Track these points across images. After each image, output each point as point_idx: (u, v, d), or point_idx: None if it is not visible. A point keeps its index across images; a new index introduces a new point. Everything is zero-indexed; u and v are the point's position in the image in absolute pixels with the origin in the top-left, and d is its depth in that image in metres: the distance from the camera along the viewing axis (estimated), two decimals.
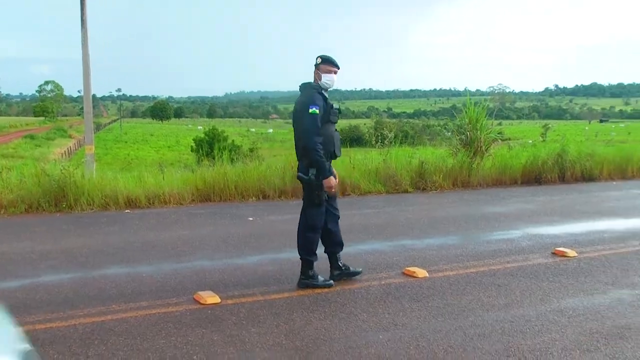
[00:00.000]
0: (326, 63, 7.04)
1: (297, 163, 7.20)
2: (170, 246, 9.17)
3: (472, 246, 9.07)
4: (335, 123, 7.08)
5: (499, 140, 19.71)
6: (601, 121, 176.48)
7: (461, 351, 5.25)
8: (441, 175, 15.67)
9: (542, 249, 9.10)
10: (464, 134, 17.18)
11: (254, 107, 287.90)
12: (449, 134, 21.52)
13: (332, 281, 7.18)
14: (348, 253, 8.74)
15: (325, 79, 7.02)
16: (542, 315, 6.16)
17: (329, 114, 6.93)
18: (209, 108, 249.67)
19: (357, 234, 10.11)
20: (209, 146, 26.24)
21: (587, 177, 17.80)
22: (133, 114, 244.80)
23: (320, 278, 7.14)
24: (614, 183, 17.36)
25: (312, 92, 6.95)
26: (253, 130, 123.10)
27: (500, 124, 38.42)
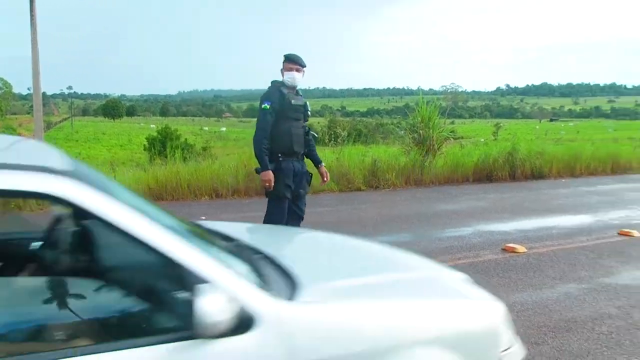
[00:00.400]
0: (288, 61, 7.15)
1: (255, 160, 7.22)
2: None
3: (424, 243, 9.17)
4: (298, 120, 7.19)
5: (451, 139, 19.91)
6: (551, 120, 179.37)
7: None
8: (394, 174, 15.78)
9: (492, 245, 9.24)
10: (416, 132, 17.35)
11: (207, 105, 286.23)
12: (402, 132, 21.72)
13: None
14: None
15: (287, 76, 7.12)
16: None
17: (287, 110, 6.98)
18: (162, 106, 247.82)
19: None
20: (161, 145, 25.97)
21: (537, 175, 18.11)
22: (84, 112, 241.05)
23: None
24: (563, 181, 17.69)
25: (271, 89, 7.11)
26: (206, 128, 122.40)
27: (452, 122, 38.86)
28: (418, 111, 17.35)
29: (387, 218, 11.35)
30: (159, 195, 13.25)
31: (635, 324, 5.93)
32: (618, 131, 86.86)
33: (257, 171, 7.05)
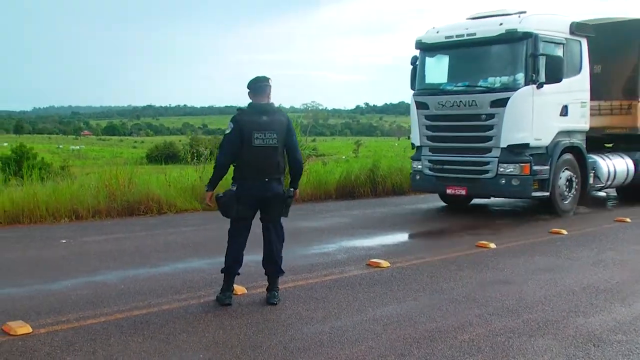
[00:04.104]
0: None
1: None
2: None
3: (290, 261, 9.17)
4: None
5: (314, 157, 20.12)
6: (409, 137, 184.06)
7: None
8: None
9: (357, 261, 9.41)
10: None
11: (64, 122, 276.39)
12: None
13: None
14: (165, 273, 8.64)
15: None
16: (358, 325, 6.36)
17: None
18: (16, 123, 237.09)
19: (176, 252, 10.00)
20: (16, 164, 24.85)
21: (398, 191, 18.57)
22: None
23: None
24: (422, 196, 18.20)
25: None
26: (61, 147, 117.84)
27: (314, 140, 39.30)
28: None
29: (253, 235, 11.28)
30: (15, 219, 12.64)
31: (494, 330, 6.19)
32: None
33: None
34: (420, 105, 14.55)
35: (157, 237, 11.38)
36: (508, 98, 13.03)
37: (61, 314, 6.71)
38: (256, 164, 6.95)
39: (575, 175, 14.25)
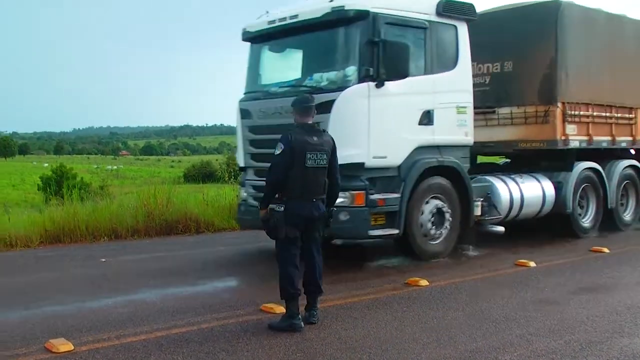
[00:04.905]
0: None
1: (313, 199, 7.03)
2: (17, 292, 8.74)
3: None
4: None
5: None
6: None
7: None
8: None
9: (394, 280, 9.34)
10: None
11: (103, 143, 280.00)
12: None
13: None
14: (204, 291, 8.70)
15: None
16: (398, 344, 6.30)
17: None
18: (57, 144, 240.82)
19: (214, 271, 10.07)
20: (57, 184, 25.22)
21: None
22: None
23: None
24: None
25: None
26: (98, 167, 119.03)
27: None
28: None
29: None
30: (56, 238, 12.81)
31: (535, 351, 6.09)
32: None
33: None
34: (244, 114, 11.00)
35: (196, 256, 11.45)
36: (333, 100, 9.58)
37: (102, 331, 6.78)
38: (306, 184, 6.90)
39: (448, 206, 10.64)
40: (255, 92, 11.09)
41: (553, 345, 6.28)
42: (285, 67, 11.36)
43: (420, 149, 10.24)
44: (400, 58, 9.67)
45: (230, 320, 7.24)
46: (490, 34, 12.37)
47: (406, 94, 10.02)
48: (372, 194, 9.69)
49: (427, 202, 10.37)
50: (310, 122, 7.14)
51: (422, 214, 10.32)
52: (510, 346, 6.25)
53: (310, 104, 7.19)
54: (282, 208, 6.89)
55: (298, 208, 6.90)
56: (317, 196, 7.02)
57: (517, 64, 12.72)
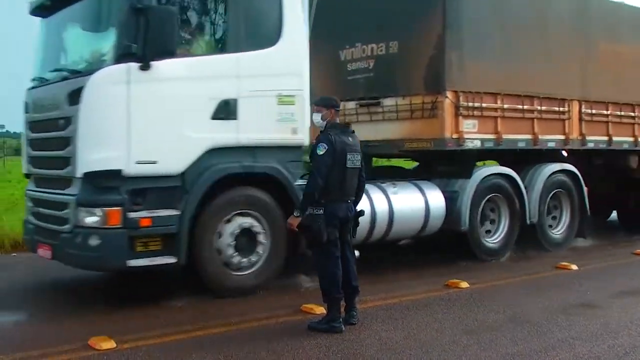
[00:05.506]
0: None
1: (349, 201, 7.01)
2: None
3: None
4: None
5: None
6: None
7: None
8: None
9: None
10: None
11: None
12: None
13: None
14: None
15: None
16: (438, 347, 6.26)
17: None
18: None
19: None
20: None
21: None
22: (17, 151, 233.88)
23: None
24: None
25: None
26: None
27: None
28: None
29: None
30: None
31: (578, 355, 6.02)
32: None
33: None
34: (26, 107, 8.83)
35: None
36: (82, 87, 7.38)
37: (144, 330, 6.85)
38: (344, 185, 6.82)
39: (262, 225, 8.26)
40: (36, 78, 8.77)
41: (596, 349, 6.20)
42: (67, 45, 8.88)
43: (217, 151, 7.90)
44: (166, 29, 7.32)
45: (270, 320, 7.26)
46: (375, 7, 10.37)
47: (190, 78, 7.74)
48: (135, 211, 7.46)
49: (228, 221, 8.01)
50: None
51: (221, 236, 7.97)
52: (552, 350, 6.19)
53: (339, 102, 7.21)
54: (322, 211, 6.74)
55: (336, 209, 6.82)
56: (351, 197, 7.01)
57: (403, 45, 10.18)
